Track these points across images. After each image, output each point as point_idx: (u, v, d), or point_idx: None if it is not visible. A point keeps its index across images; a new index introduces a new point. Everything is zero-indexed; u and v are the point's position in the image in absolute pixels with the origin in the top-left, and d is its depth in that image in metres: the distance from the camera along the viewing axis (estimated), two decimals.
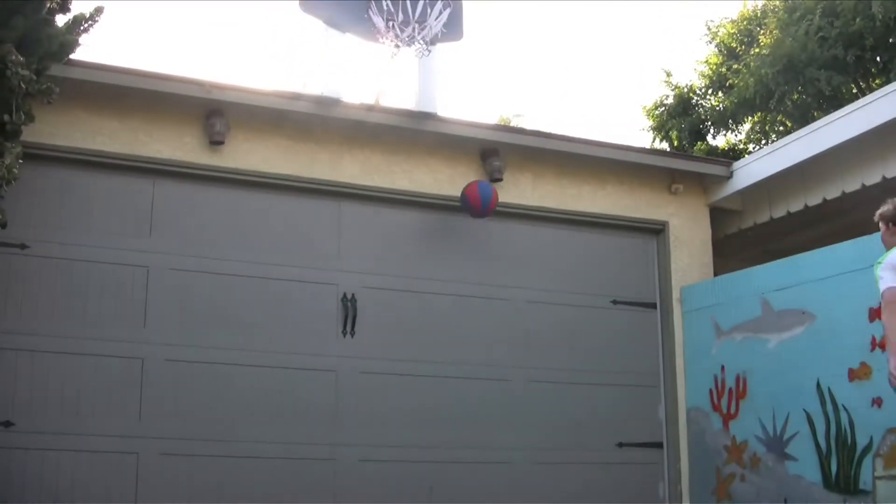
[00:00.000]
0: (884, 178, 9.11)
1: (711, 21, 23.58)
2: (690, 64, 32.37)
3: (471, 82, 47.99)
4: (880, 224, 6.99)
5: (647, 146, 19.99)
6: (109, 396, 7.92)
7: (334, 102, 8.76)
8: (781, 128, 21.14)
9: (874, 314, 7.92)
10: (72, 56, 7.52)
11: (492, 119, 23.53)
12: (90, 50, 10.39)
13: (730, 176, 10.32)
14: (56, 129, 8.04)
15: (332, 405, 8.61)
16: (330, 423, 8.58)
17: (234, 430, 8.24)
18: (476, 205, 8.93)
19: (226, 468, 8.15)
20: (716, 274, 10.27)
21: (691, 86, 23.44)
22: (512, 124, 22.45)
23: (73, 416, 7.77)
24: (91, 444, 7.77)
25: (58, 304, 7.92)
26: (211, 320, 8.38)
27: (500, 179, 9.48)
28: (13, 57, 6.49)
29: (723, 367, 9.41)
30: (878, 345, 7.85)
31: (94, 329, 7.98)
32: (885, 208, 7.04)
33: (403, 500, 8.63)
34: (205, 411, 8.20)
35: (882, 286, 6.53)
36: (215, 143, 8.50)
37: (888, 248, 6.82)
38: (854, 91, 19.54)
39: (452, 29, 9.15)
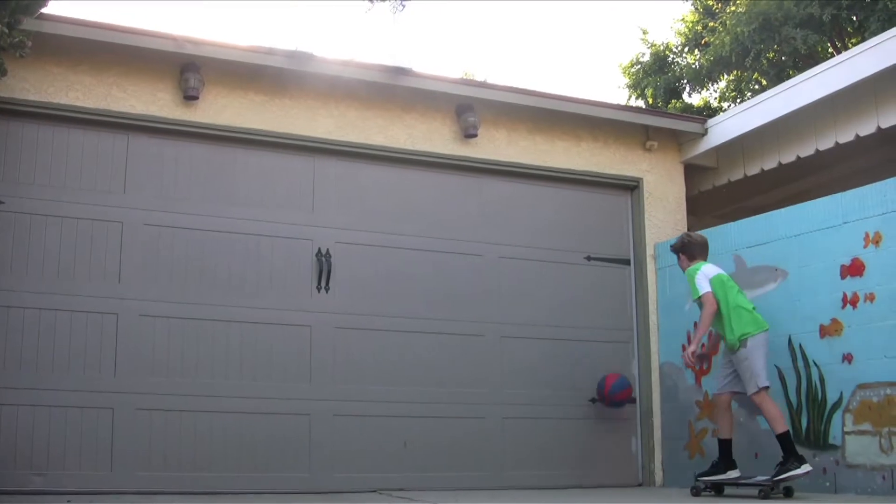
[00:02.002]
0: (857, 136, 9.16)
1: None
2: (667, 22, 32.40)
3: (445, 39, 47.88)
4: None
5: (623, 103, 19.97)
6: (84, 352, 7.92)
7: (308, 57, 8.72)
8: (757, 86, 21.18)
9: (846, 271, 8.00)
10: (44, 10, 7.47)
11: (467, 76, 23.49)
12: (63, 4, 10.34)
13: (704, 133, 10.34)
14: (29, 83, 7.99)
15: (306, 360, 8.63)
16: (304, 379, 8.60)
17: (210, 385, 8.25)
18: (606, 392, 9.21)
19: (201, 423, 8.17)
20: (690, 230, 10.29)
21: (667, 44, 23.47)
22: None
23: (48, 372, 7.77)
24: (66, 399, 7.76)
25: (32, 259, 7.89)
26: (185, 276, 8.38)
27: (475, 135, 9.48)
28: None
29: (696, 324, 9.46)
30: (850, 301, 7.93)
31: (68, 284, 7.96)
32: (674, 242, 8.88)
33: (378, 454, 8.68)
34: (179, 366, 8.21)
35: (701, 290, 8.26)
36: (189, 98, 8.46)
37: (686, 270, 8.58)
38: (830, 50, 19.59)
39: None
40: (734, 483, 8.15)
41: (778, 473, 7.66)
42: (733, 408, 8.71)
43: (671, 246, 8.86)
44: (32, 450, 7.60)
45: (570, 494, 8.42)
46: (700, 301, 8.28)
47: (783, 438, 7.77)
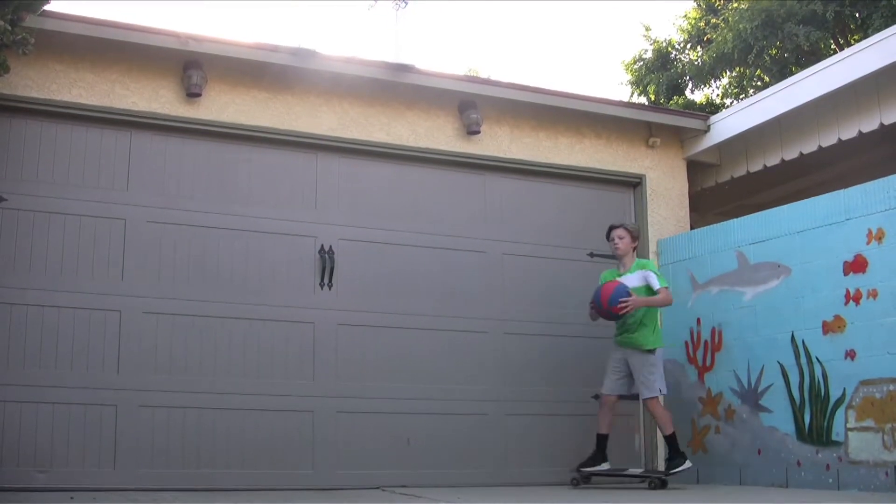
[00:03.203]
0: (860, 132, 9.16)
1: None
2: (669, 18, 32.38)
3: (447, 36, 47.87)
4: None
5: (625, 100, 19.97)
6: (87, 349, 7.92)
7: (311, 54, 8.72)
8: (759, 83, 21.19)
9: (849, 267, 8.00)
10: (47, 7, 7.46)
11: (470, 74, 23.48)
12: (66, 2, 10.33)
13: (707, 130, 10.34)
14: (32, 81, 7.99)
15: (309, 357, 8.64)
16: (308, 376, 8.61)
17: (213, 382, 8.26)
18: (604, 301, 8.66)
19: (204, 420, 8.18)
20: (692, 227, 10.31)
21: (670, 40, 23.46)
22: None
23: (51, 369, 7.77)
24: (69, 396, 7.77)
25: (34, 257, 7.90)
26: (189, 273, 8.38)
27: (478, 132, 9.48)
28: None
29: (698, 320, 9.48)
30: (853, 298, 7.93)
31: (71, 282, 7.97)
32: (633, 226, 9.19)
33: (381, 451, 8.68)
34: (183, 364, 8.21)
35: (655, 285, 8.68)
36: (192, 95, 8.46)
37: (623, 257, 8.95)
38: (832, 47, 19.59)
39: None
40: (617, 474, 8.86)
41: (671, 468, 8.49)
42: (735, 404, 8.73)
43: (630, 226, 9.15)
44: (36, 447, 7.60)
45: (574, 491, 8.42)
46: (663, 290, 8.73)
47: (671, 439, 8.56)
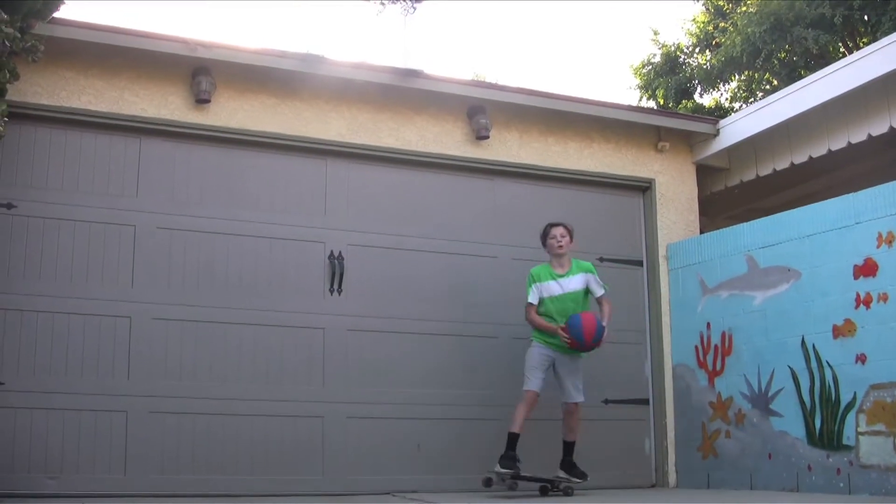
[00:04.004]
0: (869, 136, 9.15)
1: None
2: (678, 22, 32.36)
3: (456, 41, 47.88)
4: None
5: (634, 104, 19.96)
6: (98, 355, 7.94)
7: (320, 60, 8.73)
8: (768, 86, 21.15)
9: (859, 271, 7.98)
10: (56, 14, 7.48)
11: (477, 79, 23.48)
12: (75, 8, 10.36)
13: (716, 134, 10.32)
14: (41, 88, 8.02)
15: (319, 363, 8.64)
16: (318, 381, 8.61)
17: (223, 388, 8.26)
18: (588, 337, 8.25)
19: (214, 426, 8.18)
20: (702, 231, 10.30)
21: (678, 44, 23.44)
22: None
23: (62, 376, 7.79)
24: (80, 402, 7.78)
25: (45, 263, 7.91)
26: (198, 279, 8.39)
27: (487, 137, 9.48)
28: None
29: (708, 324, 9.46)
30: (863, 302, 7.92)
31: (81, 288, 7.98)
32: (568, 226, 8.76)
33: (391, 456, 8.68)
34: (193, 369, 8.22)
35: (598, 291, 8.63)
36: (201, 101, 8.47)
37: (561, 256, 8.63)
38: (841, 50, 19.55)
39: None
40: (530, 479, 8.36)
41: (581, 475, 8.43)
42: (745, 408, 8.72)
43: (569, 224, 8.76)
44: (46, 453, 7.61)
45: (584, 495, 8.40)
46: (607, 299, 8.66)
47: (573, 446, 8.51)
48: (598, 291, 8.60)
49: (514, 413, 8.20)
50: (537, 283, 8.51)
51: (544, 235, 8.68)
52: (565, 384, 8.38)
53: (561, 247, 8.57)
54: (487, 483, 8.13)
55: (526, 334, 8.64)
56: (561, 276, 8.54)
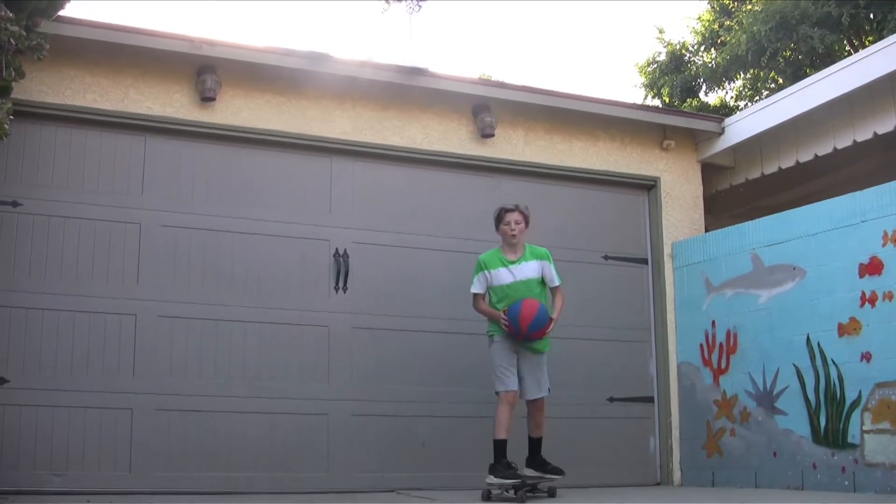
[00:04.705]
0: (875, 134, 9.14)
1: None
2: (683, 21, 32.37)
3: (461, 40, 47.88)
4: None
5: (639, 102, 19.95)
6: (103, 353, 7.95)
7: (325, 58, 8.73)
8: (773, 85, 21.13)
9: (864, 270, 7.97)
10: (61, 12, 7.49)
11: (483, 77, 23.47)
12: (81, 7, 10.37)
13: (721, 132, 10.31)
14: (46, 86, 8.03)
15: (324, 361, 8.65)
16: (322, 379, 8.62)
17: (228, 385, 8.28)
18: (524, 324, 7.80)
19: (219, 423, 8.20)
20: (707, 230, 10.29)
21: (684, 43, 23.43)
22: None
23: (67, 373, 7.80)
24: (85, 400, 7.80)
25: (50, 261, 7.93)
26: (204, 276, 8.41)
27: (492, 135, 9.48)
28: (2, 13, 6.44)
29: (713, 323, 9.46)
30: (868, 300, 7.91)
31: (86, 286, 8.00)
32: (524, 208, 8.30)
33: (396, 454, 8.69)
34: (198, 367, 8.24)
35: (554, 281, 8.14)
36: (206, 99, 8.48)
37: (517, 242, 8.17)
38: (847, 49, 19.53)
39: None
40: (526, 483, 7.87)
41: (558, 471, 8.01)
42: (750, 406, 8.73)
43: (525, 208, 8.25)
44: (52, 451, 7.63)
45: (589, 493, 8.41)
46: (559, 290, 8.18)
47: (541, 442, 8.11)
48: (555, 282, 8.13)
49: (497, 418, 7.83)
50: (485, 272, 8.06)
51: (498, 220, 8.23)
52: (528, 380, 7.96)
53: (514, 234, 8.11)
54: (488, 496, 7.64)
55: None
56: (512, 262, 8.07)
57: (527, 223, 8.20)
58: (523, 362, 7.98)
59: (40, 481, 7.51)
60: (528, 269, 8.05)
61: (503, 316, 7.82)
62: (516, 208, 8.18)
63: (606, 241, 9.95)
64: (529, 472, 7.96)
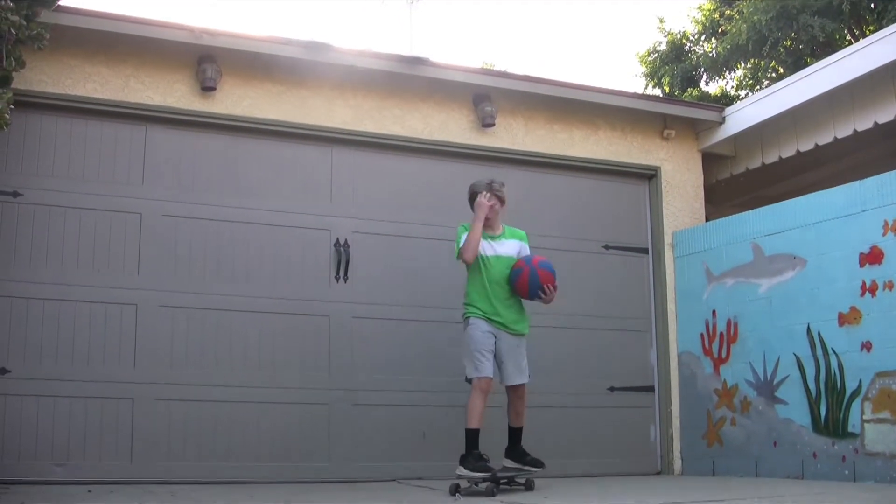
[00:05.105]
0: (876, 123, 9.14)
1: None
2: (684, 10, 32.34)
3: (461, 30, 47.82)
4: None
5: (640, 92, 19.96)
6: (104, 343, 7.96)
7: (325, 47, 8.72)
8: (774, 74, 21.13)
9: (864, 259, 7.97)
10: (61, 2, 7.49)
11: (484, 67, 23.47)
12: None
13: (722, 121, 10.31)
14: (47, 76, 8.02)
15: (325, 350, 8.66)
16: (323, 368, 8.63)
17: (229, 375, 8.28)
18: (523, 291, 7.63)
19: (220, 413, 8.20)
20: (707, 219, 10.28)
21: (684, 32, 23.43)
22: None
23: (68, 363, 7.81)
24: (86, 390, 7.81)
25: (51, 251, 7.93)
26: (204, 266, 8.41)
27: (492, 125, 9.47)
28: (2, 2, 6.44)
29: (714, 312, 9.46)
30: (869, 290, 7.91)
31: (87, 276, 8.00)
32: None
33: (397, 443, 8.70)
34: (199, 357, 8.24)
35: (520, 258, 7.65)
36: (207, 89, 8.48)
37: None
38: (848, 38, 19.52)
39: None
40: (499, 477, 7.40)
41: (538, 463, 7.55)
42: (750, 396, 8.73)
43: (499, 187, 7.80)
44: (53, 441, 7.64)
45: (589, 483, 8.42)
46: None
47: (521, 432, 7.69)
48: None
49: (470, 406, 7.38)
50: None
51: (473, 199, 7.79)
52: (508, 365, 7.55)
53: (496, 210, 7.70)
54: (455, 490, 7.20)
55: (531, 322, 8.62)
56: (493, 237, 7.69)
57: (502, 203, 7.78)
58: (503, 346, 7.56)
59: (42, 471, 7.52)
60: (507, 247, 7.70)
61: (490, 198, 7.59)
62: (490, 188, 7.77)
63: (607, 231, 9.95)
64: (508, 464, 7.61)
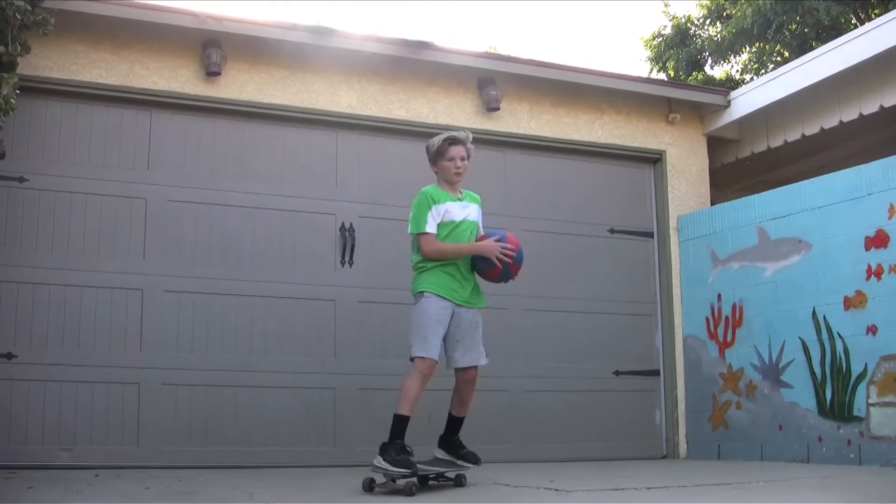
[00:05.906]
0: (881, 107, 9.12)
1: None
2: None
3: (467, 14, 47.75)
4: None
5: (645, 76, 19.92)
6: (110, 328, 7.97)
7: (330, 32, 8.71)
8: (779, 58, 21.09)
9: (870, 243, 7.96)
10: None
11: (489, 51, 23.43)
12: None
13: (727, 105, 10.29)
14: (52, 61, 8.02)
15: (330, 335, 8.67)
16: (329, 353, 8.64)
17: (235, 360, 8.30)
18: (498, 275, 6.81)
19: (226, 398, 8.23)
20: (713, 203, 10.28)
21: (689, 16, 23.38)
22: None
23: (75, 348, 7.83)
24: (92, 375, 7.83)
25: (57, 236, 7.94)
26: (210, 251, 8.41)
27: (498, 109, 9.47)
28: None
29: (719, 296, 9.46)
30: (874, 273, 7.90)
31: (93, 261, 8.01)
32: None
33: None
34: (205, 342, 8.26)
35: (482, 231, 6.88)
36: (212, 74, 8.47)
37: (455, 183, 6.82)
38: (853, 21, 19.48)
39: None
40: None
41: (475, 458, 6.74)
42: (756, 380, 8.73)
43: (468, 147, 6.87)
44: (59, 425, 7.66)
45: (595, 467, 8.42)
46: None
47: (462, 422, 6.88)
48: (482, 231, 6.95)
49: (406, 389, 6.57)
50: (437, 206, 6.66)
51: (438, 154, 6.82)
52: (464, 345, 6.67)
53: (459, 173, 6.80)
54: (370, 486, 6.47)
55: (535, 306, 8.64)
56: (458, 199, 6.81)
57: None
58: (459, 323, 6.66)
59: (48, 456, 7.54)
60: (472, 210, 6.84)
61: (507, 246, 6.61)
62: (462, 142, 6.82)
63: (612, 215, 9.95)
64: (440, 454, 6.76)
